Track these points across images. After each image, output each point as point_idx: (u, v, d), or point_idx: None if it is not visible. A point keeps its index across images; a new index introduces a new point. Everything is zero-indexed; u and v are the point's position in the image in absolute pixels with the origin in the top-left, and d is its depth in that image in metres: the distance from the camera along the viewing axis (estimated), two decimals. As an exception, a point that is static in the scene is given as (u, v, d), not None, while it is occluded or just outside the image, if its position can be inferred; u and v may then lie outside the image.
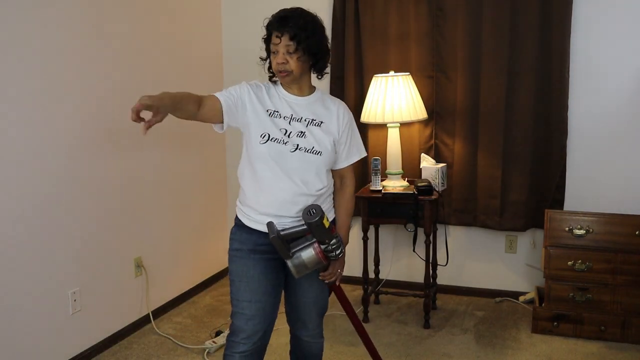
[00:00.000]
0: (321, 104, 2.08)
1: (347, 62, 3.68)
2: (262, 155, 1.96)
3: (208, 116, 1.92)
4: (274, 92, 2.04)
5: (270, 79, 2.09)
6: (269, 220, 1.97)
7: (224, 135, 4.09)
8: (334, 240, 1.96)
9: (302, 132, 2.00)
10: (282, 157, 1.96)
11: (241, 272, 2.02)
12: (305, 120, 2.02)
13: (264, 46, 2.04)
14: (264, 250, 2.01)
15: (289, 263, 1.94)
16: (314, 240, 1.94)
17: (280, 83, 2.06)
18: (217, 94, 1.95)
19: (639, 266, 3.01)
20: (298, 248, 1.94)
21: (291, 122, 2.00)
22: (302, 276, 2.02)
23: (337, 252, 1.98)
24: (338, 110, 2.09)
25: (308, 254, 1.94)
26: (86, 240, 2.95)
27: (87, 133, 2.94)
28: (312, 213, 1.89)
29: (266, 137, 1.95)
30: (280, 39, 1.93)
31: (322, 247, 1.95)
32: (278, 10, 2.00)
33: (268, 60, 2.04)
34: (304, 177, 2.00)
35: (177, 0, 3.60)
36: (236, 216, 2.09)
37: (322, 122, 2.04)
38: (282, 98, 2.03)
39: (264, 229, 1.97)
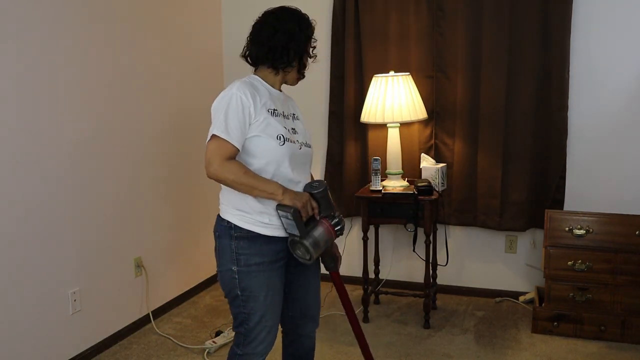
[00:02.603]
0: (287, 98, 2.11)
1: (347, 62, 3.68)
2: (283, 158, 1.90)
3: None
4: (263, 88, 1.98)
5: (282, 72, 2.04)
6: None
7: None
8: (338, 212, 1.99)
9: (293, 128, 2.00)
10: (294, 155, 1.94)
11: (266, 285, 1.94)
12: (290, 116, 2.03)
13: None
14: (281, 257, 1.99)
15: (306, 243, 1.89)
16: (319, 218, 1.94)
17: (260, 77, 2.02)
18: (234, 143, 1.85)
19: (639, 266, 3.01)
20: (308, 229, 1.93)
21: (285, 119, 1.98)
22: (310, 269, 2.06)
23: (342, 225, 1.98)
24: (295, 104, 2.14)
25: (319, 231, 1.92)
26: (86, 240, 2.95)
27: (88, 133, 2.94)
28: (315, 186, 1.93)
29: (282, 139, 1.90)
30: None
31: (330, 222, 1.95)
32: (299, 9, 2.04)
33: (304, 58, 2.03)
34: (307, 171, 2.05)
35: (177, 0, 3.60)
36: (238, 228, 1.93)
37: (297, 115, 2.08)
38: (272, 94, 1.99)
39: (284, 234, 1.94)
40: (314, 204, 1.91)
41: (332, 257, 2.08)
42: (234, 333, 3.19)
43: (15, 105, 2.55)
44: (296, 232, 1.89)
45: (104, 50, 3.03)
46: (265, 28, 1.98)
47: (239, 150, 1.86)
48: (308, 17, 2.04)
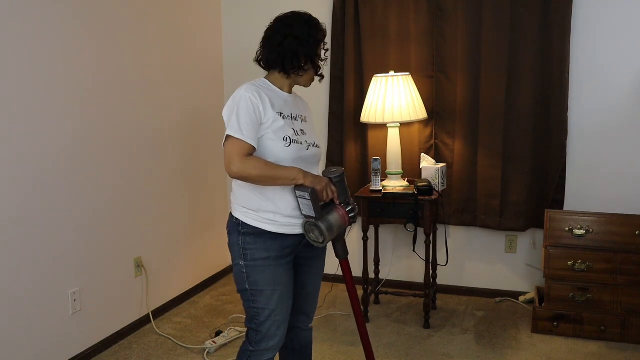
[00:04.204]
0: (298, 100, 2.15)
1: (347, 62, 3.68)
2: (288, 159, 1.95)
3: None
4: (271, 91, 2.02)
5: (293, 74, 2.05)
6: (295, 222, 1.99)
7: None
8: (352, 200, 2.05)
9: (302, 129, 2.04)
10: (301, 156, 2.00)
11: (273, 280, 1.99)
12: (299, 117, 2.07)
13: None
14: (287, 253, 2.03)
15: (321, 225, 1.93)
16: (335, 205, 2.00)
17: (269, 80, 2.05)
18: (249, 141, 1.88)
19: (639, 266, 3.01)
20: (324, 212, 1.97)
21: (293, 121, 2.02)
22: (312, 264, 2.13)
23: (355, 213, 2.04)
24: (306, 105, 2.19)
25: (334, 216, 1.98)
26: (86, 240, 2.95)
27: (87, 133, 2.94)
28: (333, 171, 2.00)
29: (289, 140, 1.96)
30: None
31: (346, 208, 2.00)
32: (296, 13, 2.07)
33: (319, 62, 2.07)
34: (315, 171, 2.08)
35: (177, 0, 3.60)
36: (245, 225, 1.98)
37: (306, 117, 2.12)
38: (280, 97, 2.03)
39: (291, 231, 1.99)
40: (333, 189, 1.98)
41: (342, 245, 2.12)
42: (234, 333, 3.21)
43: (15, 105, 2.55)
44: (312, 214, 1.94)
45: (103, 50, 3.03)
46: (275, 34, 2.02)
47: (255, 147, 1.90)
48: (318, 22, 2.06)
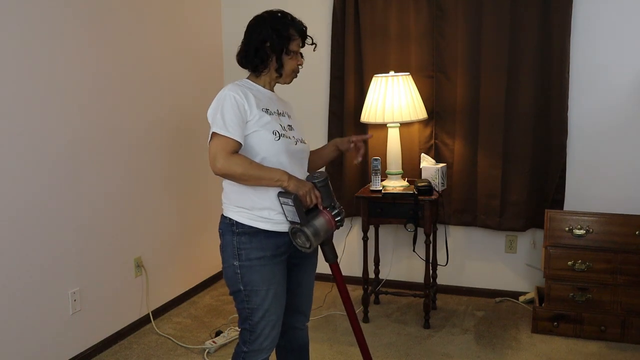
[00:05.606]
0: (280, 98, 2.15)
1: (347, 62, 3.68)
2: (279, 153, 1.95)
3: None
4: (254, 89, 2.04)
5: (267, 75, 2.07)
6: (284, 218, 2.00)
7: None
8: (338, 203, 2.04)
9: (289, 125, 2.05)
10: (290, 150, 2.00)
11: (268, 279, 1.97)
12: (285, 114, 2.08)
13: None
14: (282, 252, 2.02)
15: (307, 230, 1.92)
16: (320, 209, 1.99)
17: (251, 80, 2.08)
18: (235, 137, 1.89)
19: (639, 266, 3.01)
20: (309, 217, 1.96)
21: (280, 117, 2.03)
22: (307, 263, 2.12)
23: (342, 216, 2.03)
24: (288, 104, 2.19)
25: (320, 221, 1.96)
26: (86, 240, 2.95)
27: (87, 132, 2.94)
28: (316, 176, 1.99)
29: (277, 134, 1.96)
30: (301, 47, 2.07)
31: (331, 212, 2.00)
32: (284, 11, 2.07)
33: (273, 58, 2.02)
34: (304, 166, 2.10)
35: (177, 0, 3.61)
36: (239, 224, 1.97)
37: (291, 114, 2.13)
38: (264, 94, 2.05)
39: (284, 228, 1.99)
40: (317, 194, 1.96)
41: (331, 249, 2.11)
42: (234, 333, 3.21)
43: (15, 105, 2.55)
44: (297, 219, 1.93)
45: (103, 50, 3.03)
46: (245, 34, 2.06)
47: (241, 144, 1.90)
48: (287, 17, 2.04)
